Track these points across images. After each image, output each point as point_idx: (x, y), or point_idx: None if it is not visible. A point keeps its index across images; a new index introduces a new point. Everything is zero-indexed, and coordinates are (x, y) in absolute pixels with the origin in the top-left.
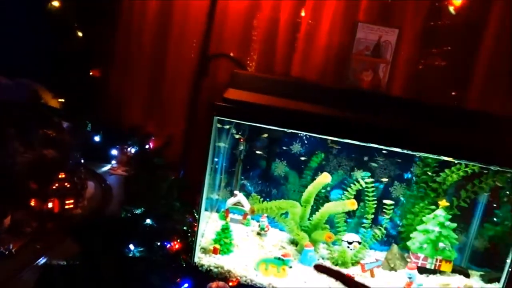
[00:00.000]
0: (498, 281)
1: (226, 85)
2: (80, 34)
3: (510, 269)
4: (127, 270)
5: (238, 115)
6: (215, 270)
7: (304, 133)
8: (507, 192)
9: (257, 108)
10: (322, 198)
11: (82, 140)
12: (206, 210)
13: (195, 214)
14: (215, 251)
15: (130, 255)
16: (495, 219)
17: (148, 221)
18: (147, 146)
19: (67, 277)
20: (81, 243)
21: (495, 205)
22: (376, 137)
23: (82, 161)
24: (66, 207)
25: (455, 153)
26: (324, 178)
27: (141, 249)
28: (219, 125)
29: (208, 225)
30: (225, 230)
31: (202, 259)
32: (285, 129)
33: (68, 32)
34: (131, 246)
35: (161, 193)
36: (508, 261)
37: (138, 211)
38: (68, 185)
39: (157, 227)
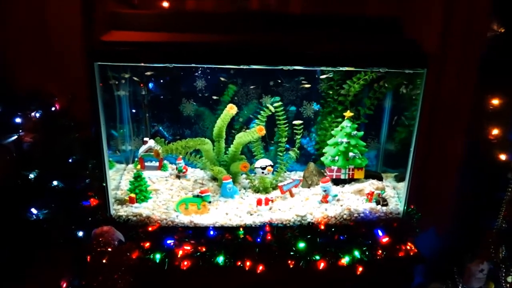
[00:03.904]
0: None
1: (109, 28)
2: None
3: (411, 166)
4: (25, 233)
5: (119, 57)
6: (134, 218)
7: (206, 68)
8: (407, 92)
9: (137, 46)
10: (240, 131)
11: None
12: (121, 162)
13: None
14: (131, 200)
15: (33, 218)
16: (405, 121)
17: (55, 182)
18: (52, 108)
19: None
20: None
21: (395, 118)
22: (273, 58)
23: None
24: None
25: (351, 63)
26: (230, 110)
27: (46, 211)
28: (115, 74)
29: (124, 177)
30: (137, 178)
31: (119, 210)
32: (174, 64)
33: None
34: (33, 210)
35: (58, 153)
36: (410, 158)
37: (32, 175)
38: None
39: (65, 187)
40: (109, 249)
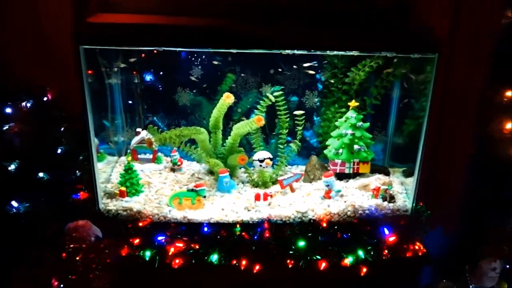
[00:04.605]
0: None
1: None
2: None
3: (421, 161)
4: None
5: (105, 40)
6: (124, 213)
7: (202, 55)
8: (417, 80)
9: (124, 28)
10: (239, 122)
11: None
12: (113, 154)
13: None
14: (122, 194)
15: (13, 212)
16: (414, 114)
17: (41, 174)
18: (45, 99)
19: None
20: None
21: (404, 101)
22: (273, 42)
23: None
24: None
25: (356, 47)
26: (226, 99)
27: (27, 204)
28: (105, 60)
29: (116, 169)
30: (128, 170)
31: (108, 204)
32: (164, 48)
33: None
34: (14, 203)
35: (46, 144)
36: (419, 152)
37: (12, 166)
38: None
39: (52, 179)
40: (84, 246)
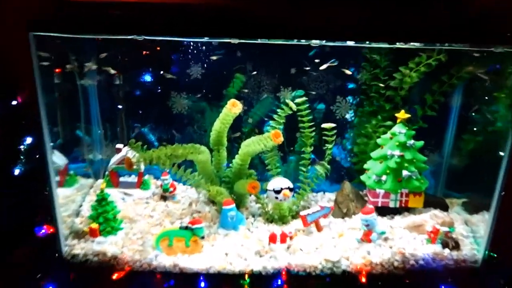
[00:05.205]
0: (487, 208)
1: None
2: None
3: (502, 191)
4: None
5: (65, 25)
6: (94, 259)
7: (202, 48)
8: (490, 83)
9: (94, 9)
10: (249, 136)
11: None
12: (88, 176)
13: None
14: (93, 233)
15: None
16: (474, 128)
17: None
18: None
19: None
20: None
21: (474, 108)
22: (294, 31)
23: None
24: None
25: (409, 36)
26: (232, 107)
27: None
28: (74, 56)
29: (89, 197)
30: (102, 202)
31: (74, 246)
32: (154, 37)
33: None
34: None
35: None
36: (499, 181)
37: None
38: None
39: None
40: None
